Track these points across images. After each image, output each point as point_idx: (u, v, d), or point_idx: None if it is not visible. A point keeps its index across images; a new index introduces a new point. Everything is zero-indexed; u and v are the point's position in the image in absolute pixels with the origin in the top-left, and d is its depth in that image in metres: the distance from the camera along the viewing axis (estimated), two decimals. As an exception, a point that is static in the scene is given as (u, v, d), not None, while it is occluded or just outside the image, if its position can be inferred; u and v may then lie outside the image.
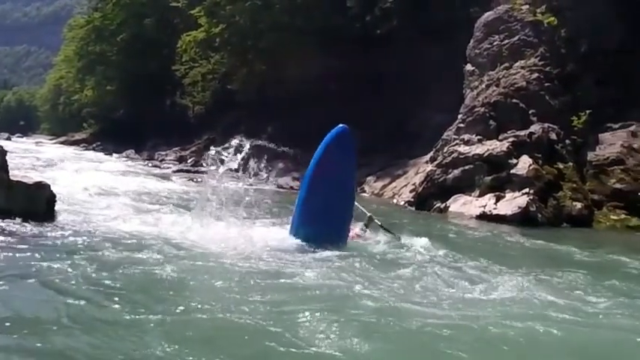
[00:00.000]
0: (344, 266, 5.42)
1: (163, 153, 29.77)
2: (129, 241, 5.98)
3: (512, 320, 4.09)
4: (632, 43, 13.07)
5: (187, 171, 21.74)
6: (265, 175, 7.93)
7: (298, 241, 6.39)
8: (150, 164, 24.70)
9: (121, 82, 38.91)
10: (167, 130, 32.71)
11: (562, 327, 4.05)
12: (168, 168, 23.03)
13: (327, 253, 5.90)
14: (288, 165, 20.56)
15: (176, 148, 30.26)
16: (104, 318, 3.73)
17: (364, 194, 15.83)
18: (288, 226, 7.02)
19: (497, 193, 11.32)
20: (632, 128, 12.16)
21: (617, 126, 12.27)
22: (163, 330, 3.58)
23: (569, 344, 3.82)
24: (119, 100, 39.75)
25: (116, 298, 4.07)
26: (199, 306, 4.03)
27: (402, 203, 13.37)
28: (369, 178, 16.53)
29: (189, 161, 27.21)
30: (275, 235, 6.83)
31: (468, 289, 4.93)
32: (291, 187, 16.93)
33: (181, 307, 3.96)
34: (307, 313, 3.95)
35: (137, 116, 35.63)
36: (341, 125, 6.71)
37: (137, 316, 3.77)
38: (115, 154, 29.88)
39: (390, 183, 15.56)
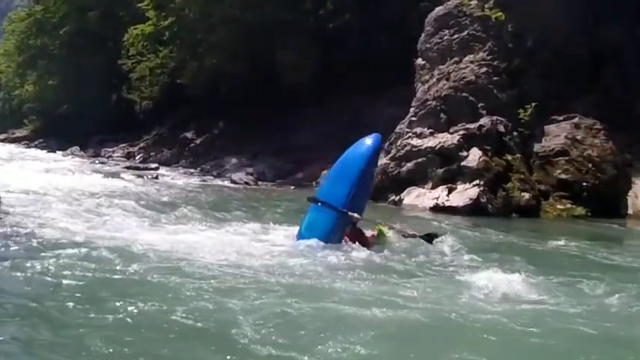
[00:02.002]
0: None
1: (110, 150, 28.98)
2: (85, 246, 5.72)
3: (457, 308, 4.21)
4: (575, 38, 13.59)
5: (137, 168, 21.25)
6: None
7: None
8: (97, 161, 23.99)
9: (63, 77, 37.64)
10: (114, 126, 31.83)
11: (505, 312, 4.20)
12: (116, 165, 22.45)
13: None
14: (242, 160, 20.45)
15: (124, 145, 29.51)
16: (48, 323, 3.62)
17: (319, 188, 15.85)
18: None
19: (449, 185, 11.55)
20: (575, 120, 12.64)
21: (561, 118, 12.72)
22: (107, 334, 3.50)
23: (511, 328, 3.92)
24: (62, 96, 38.41)
25: (69, 302, 3.95)
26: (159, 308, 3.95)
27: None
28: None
29: (137, 158, 26.64)
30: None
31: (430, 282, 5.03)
32: (246, 183, 16.77)
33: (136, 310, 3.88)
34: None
35: (81, 112, 34.46)
36: (377, 134, 7.07)
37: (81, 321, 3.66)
38: (59, 152, 28.87)
39: (344, 176, 15.63)
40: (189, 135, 26.20)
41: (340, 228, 6.41)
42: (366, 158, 6.64)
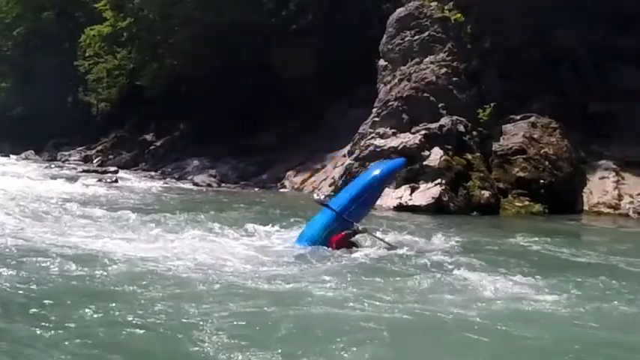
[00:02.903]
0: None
1: (67, 153, 28.30)
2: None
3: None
4: (530, 39, 13.95)
5: (95, 171, 20.84)
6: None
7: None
8: (52, 165, 23.35)
9: (17, 79, 36.66)
10: (70, 129, 31.17)
11: (476, 310, 4.29)
12: (73, 169, 21.94)
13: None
14: (204, 162, 20.27)
15: (80, 148, 28.89)
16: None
17: (284, 190, 15.86)
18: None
19: (412, 185, 11.70)
20: (532, 119, 12.95)
21: (518, 117, 13.01)
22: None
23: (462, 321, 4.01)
24: (15, 98, 37.38)
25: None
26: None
27: (322, 197, 13.50)
28: (288, 173, 16.60)
29: (95, 161, 26.12)
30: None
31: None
32: (209, 185, 16.63)
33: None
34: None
35: (36, 115, 33.59)
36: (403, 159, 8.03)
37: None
38: (12, 156, 28.03)
39: (309, 177, 15.72)
40: (148, 137, 25.83)
41: (331, 229, 6.49)
42: (380, 172, 7.12)
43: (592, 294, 4.85)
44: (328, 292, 4.63)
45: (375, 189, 7.17)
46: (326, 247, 6.33)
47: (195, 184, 16.75)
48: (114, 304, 4.04)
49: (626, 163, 12.85)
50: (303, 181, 15.76)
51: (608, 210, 11.93)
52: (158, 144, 24.86)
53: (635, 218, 11.54)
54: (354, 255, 6.12)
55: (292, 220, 8.27)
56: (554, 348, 3.65)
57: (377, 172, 7.28)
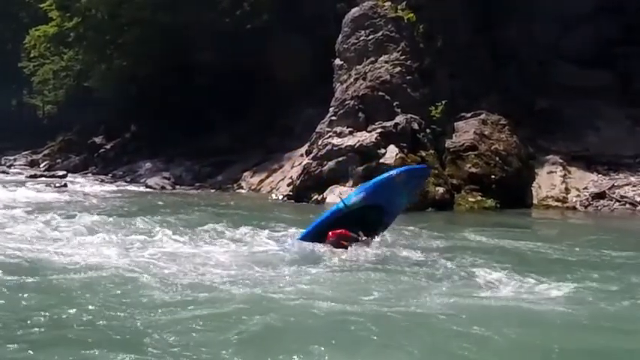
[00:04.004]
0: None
1: (11, 158, 27.34)
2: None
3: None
4: (478, 39, 14.38)
5: (42, 176, 20.22)
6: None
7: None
8: (-4, 170, 22.55)
9: (-44, 82, 35.16)
10: (14, 133, 30.20)
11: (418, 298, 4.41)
12: (19, 174, 21.22)
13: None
14: (157, 165, 19.94)
15: (26, 152, 28.01)
16: None
17: (242, 190, 15.77)
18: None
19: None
20: (482, 117, 13.32)
21: (469, 115, 13.38)
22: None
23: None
24: (-45, 102, 35.87)
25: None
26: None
27: (281, 197, 13.53)
28: (245, 174, 16.51)
29: (42, 165, 25.34)
30: None
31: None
32: (162, 187, 16.36)
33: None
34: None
35: (-23, 119, 32.41)
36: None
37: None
38: (-49, 163, 26.85)
39: (266, 178, 15.68)
40: (98, 140, 25.25)
41: (331, 222, 6.45)
42: (396, 172, 6.93)
43: (543, 281, 5.05)
44: (288, 297, 4.58)
45: (393, 187, 6.83)
46: (319, 243, 6.26)
47: (149, 187, 16.44)
48: (65, 310, 3.96)
49: (571, 157, 13.41)
50: (261, 182, 15.71)
51: (556, 203, 12.39)
52: (108, 147, 24.32)
53: (582, 211, 12.03)
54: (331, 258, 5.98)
55: (260, 222, 8.21)
56: (510, 338, 3.75)
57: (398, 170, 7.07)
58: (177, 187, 16.79)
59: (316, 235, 6.41)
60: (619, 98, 14.07)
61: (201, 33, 18.63)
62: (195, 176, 18.06)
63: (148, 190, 16.00)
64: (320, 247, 6.15)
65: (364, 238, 6.32)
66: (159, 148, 20.76)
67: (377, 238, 6.51)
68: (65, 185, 16.40)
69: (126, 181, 18.63)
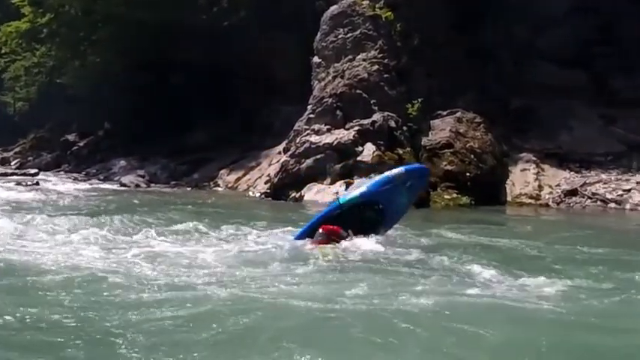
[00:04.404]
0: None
1: (-20, 156, 26.93)
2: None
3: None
4: (455, 38, 14.52)
5: (13, 174, 19.85)
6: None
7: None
8: (-36, 169, 22.03)
9: None
10: (-16, 131, 29.61)
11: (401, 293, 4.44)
12: (-11, 172, 20.78)
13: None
14: (132, 163, 19.72)
15: (-4, 150, 27.65)
16: None
17: (218, 188, 15.69)
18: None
19: (346, 180, 11.91)
20: (457, 115, 13.44)
21: (445, 113, 13.49)
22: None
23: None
24: None
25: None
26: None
27: (258, 195, 13.51)
28: (222, 172, 16.44)
29: (13, 163, 24.92)
30: None
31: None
32: (137, 185, 16.18)
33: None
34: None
35: (-54, 116, 31.69)
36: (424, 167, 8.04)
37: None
38: None
39: (244, 175, 15.64)
40: (71, 137, 24.94)
41: (327, 221, 6.44)
42: (396, 171, 6.98)
43: (517, 274, 5.15)
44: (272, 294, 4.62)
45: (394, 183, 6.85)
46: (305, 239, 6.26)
47: (123, 185, 16.25)
48: (40, 311, 3.90)
49: (544, 155, 13.65)
50: (237, 180, 15.66)
51: (529, 200, 12.60)
52: (81, 144, 24.02)
53: (554, 208, 12.25)
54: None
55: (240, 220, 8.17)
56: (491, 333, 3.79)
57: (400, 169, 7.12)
58: (153, 185, 16.63)
59: (311, 234, 6.40)
60: (593, 98, 14.31)
61: (178, 30, 18.45)
62: (171, 174, 17.92)
63: (123, 188, 15.81)
64: (303, 244, 6.16)
65: (352, 237, 6.28)
66: (133, 147, 20.53)
67: (370, 238, 6.49)
68: (37, 183, 16.13)
69: (99, 179, 18.41)
